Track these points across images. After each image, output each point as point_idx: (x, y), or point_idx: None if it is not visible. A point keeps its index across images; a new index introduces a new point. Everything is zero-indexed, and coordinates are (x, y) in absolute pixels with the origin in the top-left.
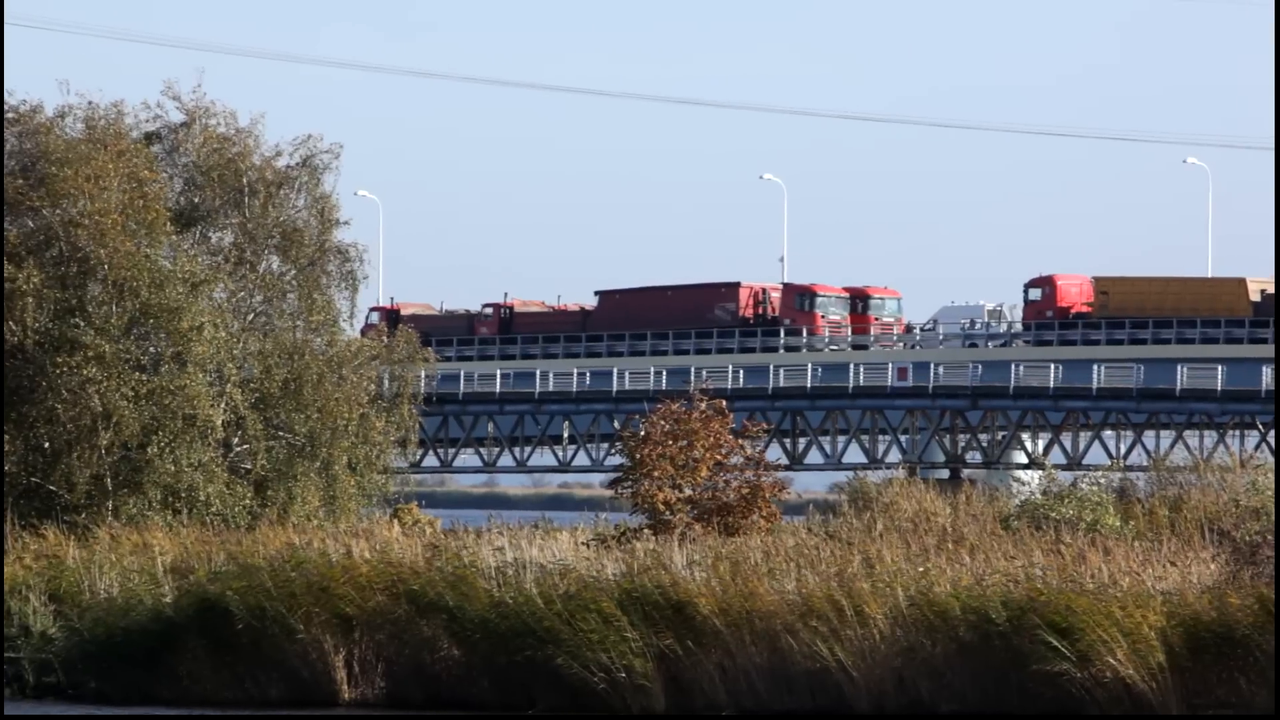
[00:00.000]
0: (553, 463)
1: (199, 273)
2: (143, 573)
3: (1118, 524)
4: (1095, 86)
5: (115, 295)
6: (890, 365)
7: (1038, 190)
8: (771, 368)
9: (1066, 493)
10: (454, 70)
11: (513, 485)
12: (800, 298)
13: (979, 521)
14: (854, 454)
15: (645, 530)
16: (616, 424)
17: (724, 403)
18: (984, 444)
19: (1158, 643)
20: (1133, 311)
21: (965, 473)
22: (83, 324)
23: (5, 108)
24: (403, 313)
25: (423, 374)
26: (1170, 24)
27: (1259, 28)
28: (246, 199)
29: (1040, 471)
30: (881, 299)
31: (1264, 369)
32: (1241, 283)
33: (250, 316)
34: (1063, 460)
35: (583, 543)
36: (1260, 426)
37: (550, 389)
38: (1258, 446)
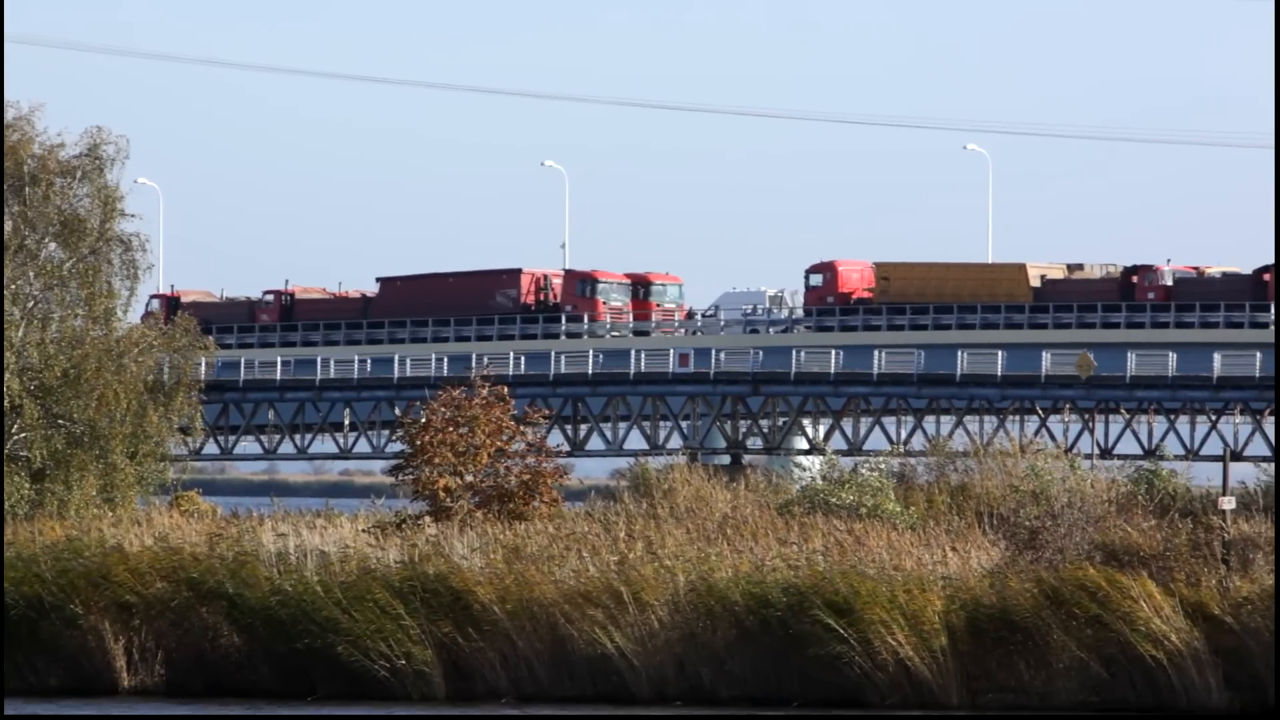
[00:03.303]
0: (334, 450)
1: None
2: None
3: (898, 509)
4: (876, 73)
5: None
6: (672, 351)
7: (819, 176)
8: (553, 354)
9: (847, 478)
10: (236, 58)
11: (294, 473)
12: (582, 284)
13: (760, 507)
14: (635, 440)
15: (426, 517)
16: (398, 411)
17: (505, 389)
18: (765, 430)
19: (940, 625)
20: (913, 297)
21: (746, 458)
22: None
23: None
24: (183, 300)
25: (203, 361)
26: (950, 10)
27: (1039, 14)
28: (27, 187)
29: (821, 457)
30: (663, 285)
31: (1044, 354)
32: (1022, 268)
33: (30, 305)
34: (844, 446)
35: (363, 530)
36: (1040, 411)
37: (331, 376)
38: (1037, 432)
